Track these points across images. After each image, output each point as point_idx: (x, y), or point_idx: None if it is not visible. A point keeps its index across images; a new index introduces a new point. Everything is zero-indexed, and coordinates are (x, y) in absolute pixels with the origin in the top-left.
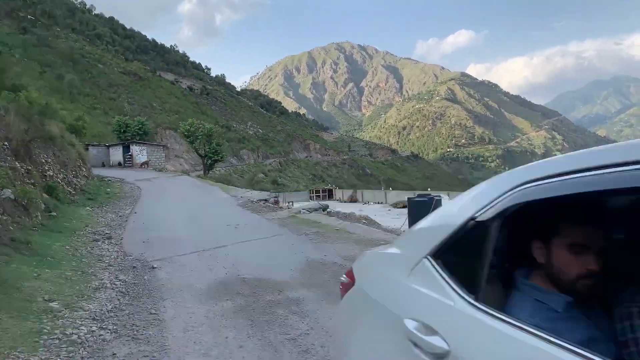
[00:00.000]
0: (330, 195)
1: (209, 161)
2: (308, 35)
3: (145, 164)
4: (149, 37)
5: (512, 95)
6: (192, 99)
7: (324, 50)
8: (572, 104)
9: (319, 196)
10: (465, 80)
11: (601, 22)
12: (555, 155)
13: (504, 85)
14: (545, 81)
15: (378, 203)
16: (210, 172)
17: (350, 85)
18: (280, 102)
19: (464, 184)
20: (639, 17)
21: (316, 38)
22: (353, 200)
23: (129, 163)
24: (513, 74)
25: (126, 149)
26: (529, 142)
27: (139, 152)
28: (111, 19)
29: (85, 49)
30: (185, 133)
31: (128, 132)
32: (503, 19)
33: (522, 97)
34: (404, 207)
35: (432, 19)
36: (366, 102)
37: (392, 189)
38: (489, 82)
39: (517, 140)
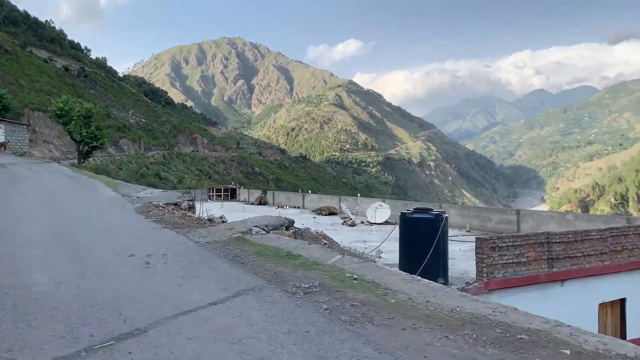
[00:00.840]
0: (233, 195)
1: (86, 148)
2: (199, 27)
3: (1, 146)
4: (20, 8)
5: (394, 106)
6: (68, 80)
7: (215, 44)
8: (446, 119)
9: (219, 196)
10: (352, 88)
11: (475, 44)
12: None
13: (387, 96)
14: (423, 95)
15: (294, 207)
16: (85, 162)
17: (241, 82)
18: (166, 92)
19: (348, 187)
20: (507, 44)
21: (208, 31)
22: (262, 202)
23: None
24: (395, 85)
25: None
26: (407, 151)
27: None
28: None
29: None
30: (58, 112)
31: None
32: (390, 32)
33: (403, 108)
34: (330, 214)
35: (324, 26)
36: (256, 101)
37: (311, 192)
38: (374, 91)
39: (397, 148)
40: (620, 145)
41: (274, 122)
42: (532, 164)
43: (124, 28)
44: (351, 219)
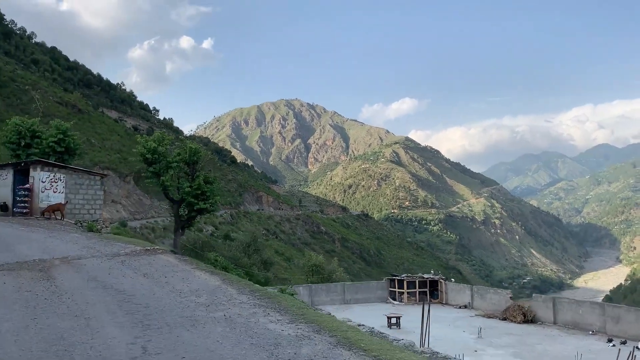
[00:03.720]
0: (433, 291)
1: (188, 211)
2: (258, 91)
3: (56, 211)
4: (94, 71)
5: (453, 162)
6: (138, 139)
7: (274, 106)
8: (505, 175)
9: (411, 294)
10: (409, 145)
11: (533, 100)
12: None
13: (444, 152)
14: (481, 151)
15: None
16: (184, 232)
17: (298, 141)
18: (229, 151)
19: (413, 246)
20: (567, 98)
21: (266, 93)
22: (525, 318)
23: (23, 206)
24: (451, 142)
25: (21, 175)
26: (470, 208)
27: (50, 184)
28: (53, 48)
29: (17, 73)
30: (148, 155)
31: (36, 148)
32: (444, 90)
33: (462, 164)
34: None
35: (378, 85)
36: (313, 159)
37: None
38: (431, 147)
39: (458, 205)
40: None
41: (331, 179)
42: (602, 221)
43: (188, 92)
44: None
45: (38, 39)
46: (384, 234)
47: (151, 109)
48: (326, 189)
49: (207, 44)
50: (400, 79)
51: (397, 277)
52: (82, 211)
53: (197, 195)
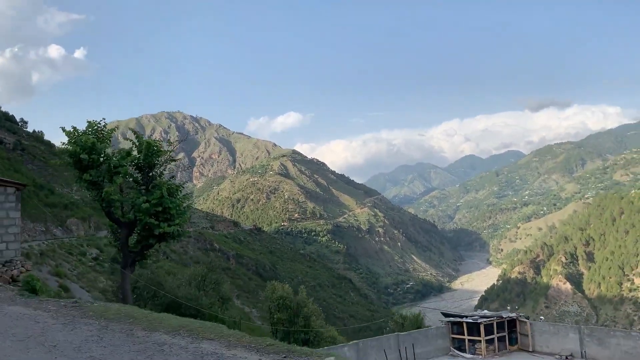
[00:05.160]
0: (511, 334)
1: (142, 237)
2: (137, 102)
3: None
4: None
5: (338, 174)
6: (3, 154)
7: (154, 118)
8: (384, 185)
9: (483, 343)
10: (296, 157)
11: (407, 115)
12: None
13: (328, 165)
14: (361, 163)
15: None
16: (135, 268)
17: (182, 155)
18: None
19: (306, 258)
20: (437, 113)
21: (146, 105)
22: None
23: None
24: (335, 154)
25: None
26: (355, 218)
27: None
28: None
29: None
30: (82, 155)
31: None
32: (327, 105)
33: (346, 176)
34: None
35: (264, 99)
36: (198, 173)
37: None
38: (317, 160)
39: (345, 216)
40: (555, 205)
41: (218, 194)
42: (473, 226)
43: (57, 104)
44: None
45: None
46: (276, 248)
47: (18, 120)
48: (213, 203)
49: (79, 53)
50: (285, 93)
51: (464, 319)
52: None
53: (156, 213)
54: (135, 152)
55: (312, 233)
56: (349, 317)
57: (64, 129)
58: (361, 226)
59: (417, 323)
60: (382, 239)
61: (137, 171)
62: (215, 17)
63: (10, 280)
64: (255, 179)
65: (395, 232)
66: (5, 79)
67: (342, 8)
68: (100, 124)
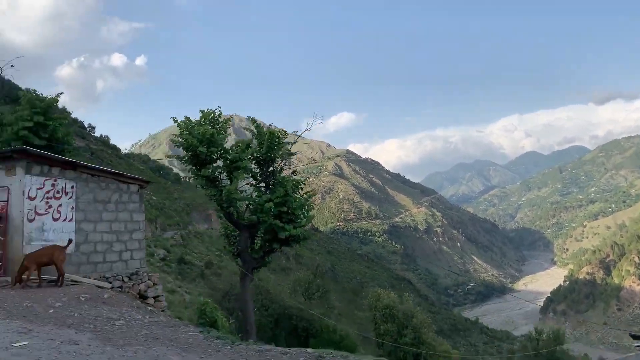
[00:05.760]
0: None
1: (266, 242)
2: (194, 107)
3: (45, 265)
4: (22, 86)
5: (393, 173)
6: (76, 158)
7: None
8: (441, 184)
9: None
10: (350, 157)
11: (463, 112)
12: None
13: (382, 164)
14: (417, 161)
15: None
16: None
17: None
18: (172, 169)
19: (364, 259)
20: (495, 109)
21: (203, 108)
22: None
23: None
24: (389, 153)
25: None
26: (412, 217)
27: (46, 201)
28: None
29: None
30: (200, 149)
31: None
32: (380, 104)
33: (402, 175)
34: None
35: (317, 99)
36: None
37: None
38: (372, 159)
39: (401, 216)
40: (624, 202)
41: None
42: (536, 225)
43: (121, 110)
44: None
45: None
46: (334, 248)
47: (86, 125)
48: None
49: (140, 60)
50: (338, 92)
51: None
52: (107, 258)
53: (279, 213)
54: (254, 144)
55: (368, 233)
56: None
57: (175, 119)
58: (418, 226)
59: (557, 339)
60: (440, 239)
61: (255, 166)
62: (267, 21)
63: (138, 296)
64: (310, 180)
65: (454, 232)
66: (73, 87)
67: (393, 9)
68: (215, 112)
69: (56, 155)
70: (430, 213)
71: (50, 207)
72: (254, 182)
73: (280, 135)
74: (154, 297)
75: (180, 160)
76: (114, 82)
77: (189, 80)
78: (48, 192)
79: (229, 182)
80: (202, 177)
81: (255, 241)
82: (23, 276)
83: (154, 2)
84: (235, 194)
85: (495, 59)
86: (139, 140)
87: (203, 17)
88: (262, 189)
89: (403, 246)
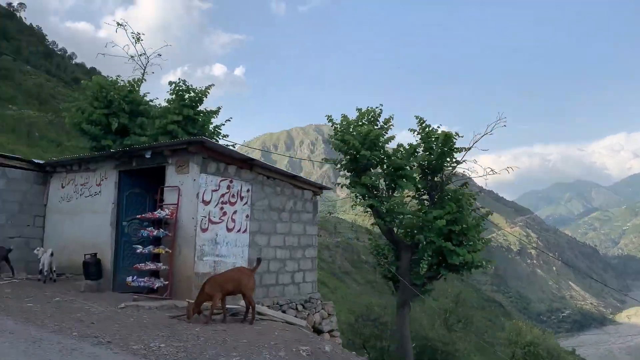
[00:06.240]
0: None
1: (432, 266)
2: (287, 116)
3: (229, 294)
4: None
5: (486, 189)
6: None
7: (303, 131)
8: (537, 204)
9: None
10: None
11: (564, 128)
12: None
13: (475, 179)
14: (512, 179)
15: None
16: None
17: (327, 166)
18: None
19: (457, 277)
20: (599, 127)
21: (294, 119)
22: None
23: (149, 274)
24: (481, 169)
25: (134, 187)
26: (504, 237)
27: (220, 206)
28: (92, 69)
29: (57, 90)
30: (363, 152)
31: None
32: (474, 119)
33: (495, 192)
34: None
35: (403, 109)
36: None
37: None
38: (463, 174)
39: (493, 234)
40: None
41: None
42: None
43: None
44: None
45: (78, 60)
46: None
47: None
48: (356, 214)
49: (239, 71)
50: (430, 105)
51: None
52: (279, 280)
53: (449, 233)
54: (421, 149)
55: None
56: (498, 343)
57: (329, 118)
58: (511, 246)
59: None
60: (534, 261)
61: (420, 174)
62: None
63: (312, 329)
64: None
65: (550, 255)
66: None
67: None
68: (375, 111)
69: (235, 150)
70: (524, 233)
71: (224, 214)
72: (412, 193)
73: (455, 139)
74: (329, 332)
75: (336, 165)
76: (213, 91)
77: (284, 91)
78: (223, 195)
79: (387, 192)
80: (361, 185)
81: (421, 264)
82: (205, 309)
83: (254, 13)
84: (402, 207)
85: (598, 71)
86: (234, 147)
87: (299, 28)
88: (426, 202)
89: (494, 267)
